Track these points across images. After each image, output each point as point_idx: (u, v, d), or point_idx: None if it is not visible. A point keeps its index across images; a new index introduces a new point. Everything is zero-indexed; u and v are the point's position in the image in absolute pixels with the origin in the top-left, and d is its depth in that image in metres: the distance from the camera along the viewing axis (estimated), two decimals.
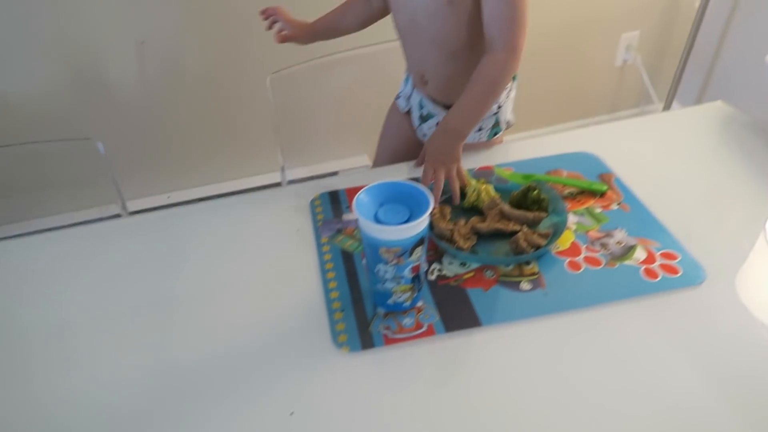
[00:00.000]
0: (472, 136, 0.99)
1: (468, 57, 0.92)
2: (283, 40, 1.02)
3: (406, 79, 1.10)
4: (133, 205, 1.84)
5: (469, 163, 0.93)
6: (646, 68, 2.03)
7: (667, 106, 2.03)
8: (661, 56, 2.05)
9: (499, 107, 0.99)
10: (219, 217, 0.89)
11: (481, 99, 0.88)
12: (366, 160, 1.78)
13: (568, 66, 1.97)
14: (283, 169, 1.28)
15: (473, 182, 0.85)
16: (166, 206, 0.94)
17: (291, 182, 1.35)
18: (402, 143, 1.13)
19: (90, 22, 1.50)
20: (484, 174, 0.89)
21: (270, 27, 1.04)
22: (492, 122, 1.01)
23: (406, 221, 0.64)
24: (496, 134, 1.02)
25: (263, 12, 1.04)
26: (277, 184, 1.32)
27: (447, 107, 1.01)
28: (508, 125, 1.03)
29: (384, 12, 1.04)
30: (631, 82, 2.08)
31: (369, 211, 0.66)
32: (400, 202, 0.67)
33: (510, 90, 0.99)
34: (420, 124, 1.09)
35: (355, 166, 1.84)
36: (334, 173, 1.94)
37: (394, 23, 1.01)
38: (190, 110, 1.72)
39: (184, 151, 1.80)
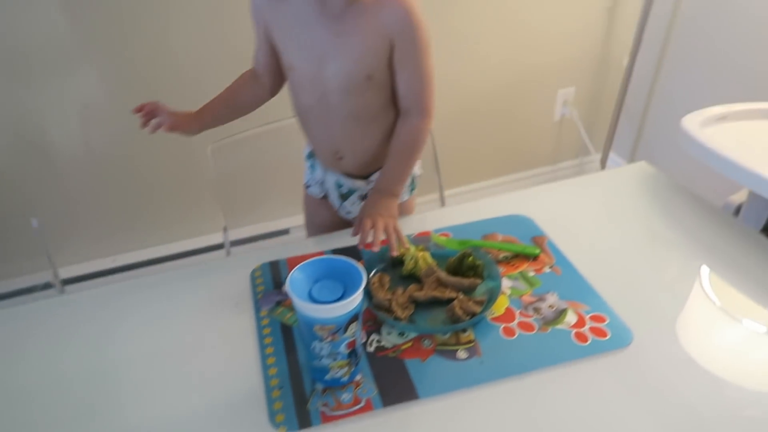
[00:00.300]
0: None
1: (383, 125, 0.98)
2: (169, 129, 0.92)
3: (312, 166, 1.10)
4: (77, 269, 1.81)
5: (408, 228, 0.95)
6: (582, 122, 2.13)
7: (605, 158, 2.13)
8: (595, 111, 2.16)
9: None
10: (156, 293, 0.88)
11: (407, 162, 0.95)
12: None
13: (511, 121, 2.05)
14: (225, 230, 1.27)
15: (411, 249, 0.87)
16: (108, 272, 0.92)
17: (235, 242, 1.35)
18: (328, 228, 1.09)
19: (34, 85, 1.49)
20: (422, 240, 0.91)
21: (146, 123, 0.92)
22: (409, 180, 1.06)
23: (340, 298, 0.65)
24: (412, 190, 1.09)
25: (138, 109, 0.92)
26: (220, 246, 1.32)
27: (366, 178, 1.05)
28: (417, 178, 1.10)
29: (273, 92, 1.03)
30: (570, 135, 2.18)
31: (303, 289, 0.66)
32: (334, 278, 0.68)
33: None
34: (341, 204, 1.09)
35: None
36: (285, 231, 1.96)
37: (295, 103, 1.00)
38: (135, 172, 1.70)
39: (128, 214, 1.77)
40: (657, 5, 1.83)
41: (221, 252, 1.31)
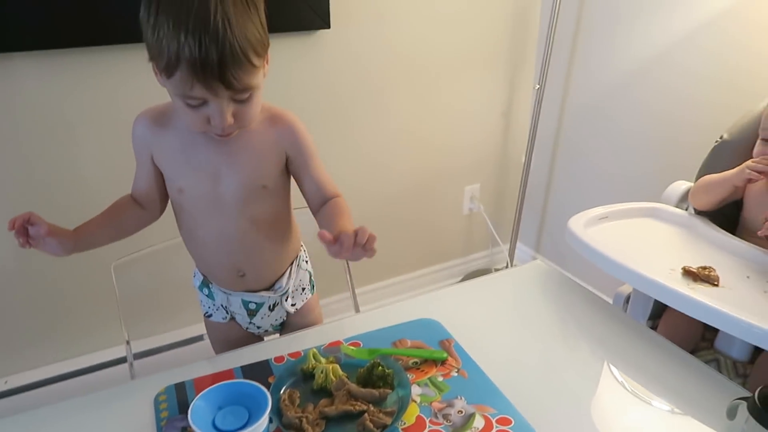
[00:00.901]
0: (300, 297, 1.12)
1: (279, 234, 1.04)
2: (47, 234, 0.85)
3: (209, 294, 1.09)
4: None
5: (319, 338, 0.96)
6: (489, 216, 2.27)
7: (512, 249, 2.25)
8: (501, 205, 2.31)
9: (307, 261, 1.14)
10: (49, 428, 0.82)
11: (348, 215, 0.95)
12: None
13: (423, 217, 2.15)
14: (128, 343, 1.22)
15: (322, 362, 0.87)
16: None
17: (148, 353, 1.29)
18: (237, 344, 1.02)
19: None
20: (332, 351, 0.92)
21: (25, 240, 0.85)
22: (308, 278, 1.14)
23: (245, 424, 0.64)
24: (313, 287, 1.15)
25: (13, 221, 0.84)
26: (123, 359, 1.26)
27: (270, 288, 1.07)
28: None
29: (156, 217, 1.02)
30: (479, 227, 2.30)
31: (207, 417, 0.65)
32: (239, 403, 0.67)
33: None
34: (251, 320, 1.10)
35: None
36: (199, 337, 1.89)
37: (185, 228, 1.01)
38: (30, 286, 1.61)
39: (20, 333, 1.65)
40: (545, 110, 2.03)
41: (126, 367, 1.25)
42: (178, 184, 0.95)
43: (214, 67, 0.76)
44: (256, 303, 1.07)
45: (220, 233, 0.98)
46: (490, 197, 2.28)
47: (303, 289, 1.13)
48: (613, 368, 0.93)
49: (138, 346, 1.25)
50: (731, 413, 0.76)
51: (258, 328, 1.11)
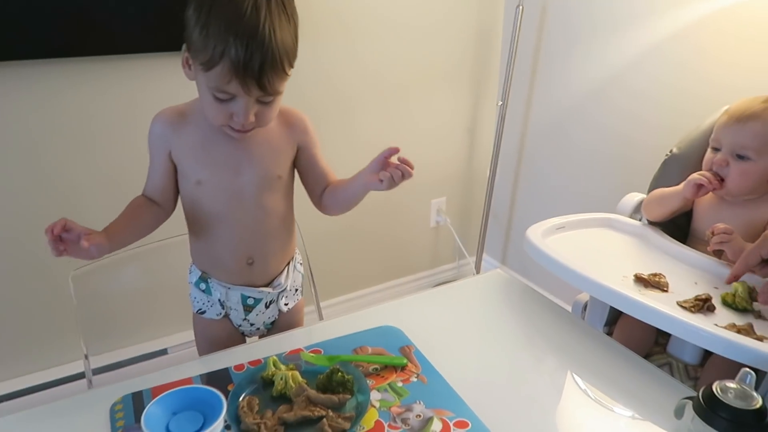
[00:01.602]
0: (293, 297, 1.17)
1: (286, 227, 1.11)
2: (86, 239, 0.85)
3: (206, 290, 1.10)
4: None
5: (281, 346, 0.96)
6: (455, 228, 2.30)
7: (479, 260, 2.28)
8: (467, 217, 2.35)
9: (300, 264, 1.19)
10: None
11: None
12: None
13: (391, 230, 2.17)
14: (86, 357, 1.19)
15: (282, 368, 0.87)
16: None
17: (98, 370, 1.27)
18: (223, 344, 1.06)
19: None
20: (292, 359, 0.92)
21: (63, 248, 0.86)
22: (300, 280, 1.18)
23: (200, 429, 0.64)
24: (302, 291, 1.20)
25: (51, 229, 0.85)
26: (82, 375, 1.23)
27: (268, 285, 1.11)
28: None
29: (170, 213, 1.06)
30: (446, 240, 2.33)
31: (160, 423, 0.65)
32: (195, 408, 0.67)
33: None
34: (246, 316, 1.12)
35: (179, 342, 1.79)
36: (164, 351, 1.86)
37: (197, 218, 1.04)
38: None
39: None
40: (508, 126, 2.09)
41: (84, 382, 1.22)
42: (196, 177, 1.01)
43: (254, 70, 0.85)
44: (254, 299, 1.10)
45: (237, 222, 1.04)
46: (456, 210, 2.31)
47: (296, 290, 1.18)
48: (571, 373, 0.96)
49: (98, 361, 1.23)
50: (678, 413, 0.79)
51: (251, 325, 1.13)
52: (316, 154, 1.09)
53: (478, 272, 2.31)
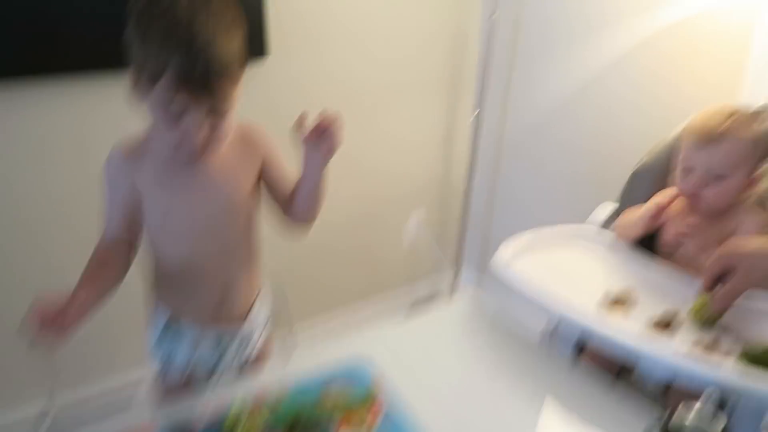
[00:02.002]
0: (266, 330, 1.16)
1: (252, 255, 1.09)
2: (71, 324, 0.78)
3: (173, 338, 1.06)
4: None
5: (241, 390, 0.93)
6: (434, 240, 2.28)
7: (457, 272, 2.27)
8: (445, 229, 2.34)
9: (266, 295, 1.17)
10: None
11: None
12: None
13: (368, 244, 2.15)
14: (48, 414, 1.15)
15: (243, 419, 0.85)
16: None
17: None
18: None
19: None
20: (255, 406, 0.89)
21: (61, 333, 0.78)
22: (268, 306, 1.16)
23: None
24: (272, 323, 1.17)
25: (41, 318, 0.76)
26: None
27: (242, 319, 1.09)
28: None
29: (136, 250, 0.99)
30: (425, 253, 2.31)
31: None
32: None
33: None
34: (220, 359, 1.09)
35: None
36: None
37: (161, 260, 1.01)
38: None
39: None
40: (484, 137, 2.07)
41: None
42: (159, 210, 0.97)
43: (198, 75, 0.82)
44: (230, 336, 1.09)
45: (202, 254, 1.01)
46: (434, 222, 2.29)
47: (267, 319, 1.17)
48: (542, 398, 0.94)
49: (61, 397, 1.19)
50: None
51: (222, 369, 1.09)
52: (280, 164, 1.07)
53: (457, 284, 2.30)
